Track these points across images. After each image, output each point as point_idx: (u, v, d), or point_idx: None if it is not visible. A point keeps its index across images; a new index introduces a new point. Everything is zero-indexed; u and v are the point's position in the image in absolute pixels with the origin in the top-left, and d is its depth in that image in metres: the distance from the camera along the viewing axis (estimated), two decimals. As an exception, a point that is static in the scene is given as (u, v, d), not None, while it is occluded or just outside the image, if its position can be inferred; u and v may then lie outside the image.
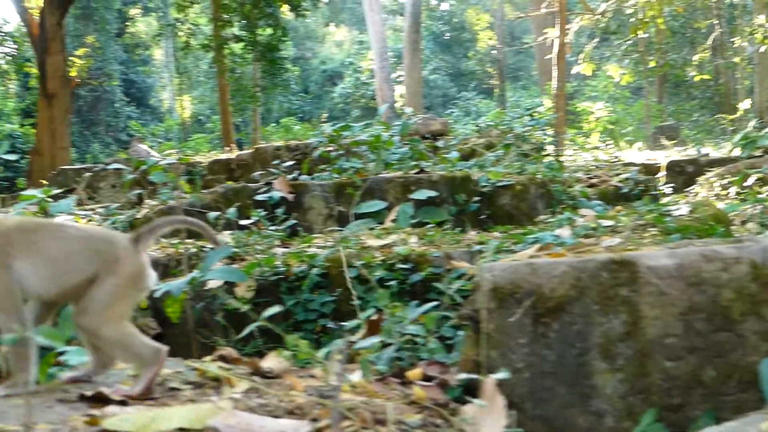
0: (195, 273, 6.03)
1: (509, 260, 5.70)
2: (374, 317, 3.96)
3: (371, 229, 7.84)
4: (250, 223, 8.10)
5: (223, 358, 3.66)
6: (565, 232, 6.56)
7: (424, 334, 3.28)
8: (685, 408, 2.79)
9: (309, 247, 6.91)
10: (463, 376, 2.97)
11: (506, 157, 10.00)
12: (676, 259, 2.80)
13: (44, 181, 20.94)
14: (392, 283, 5.91)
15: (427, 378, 3.06)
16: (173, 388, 3.17)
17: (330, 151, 10.05)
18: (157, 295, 5.80)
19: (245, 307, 4.94)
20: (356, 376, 3.19)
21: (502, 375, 2.64)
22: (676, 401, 2.79)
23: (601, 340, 2.70)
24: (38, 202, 6.40)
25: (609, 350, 2.75)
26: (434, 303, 3.48)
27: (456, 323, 3.82)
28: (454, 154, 9.75)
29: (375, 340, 3.32)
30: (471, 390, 2.97)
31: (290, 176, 9.55)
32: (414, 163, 9.47)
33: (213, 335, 6.41)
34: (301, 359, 3.68)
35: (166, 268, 7.34)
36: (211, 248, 7.15)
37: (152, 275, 3.17)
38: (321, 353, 3.60)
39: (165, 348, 3.14)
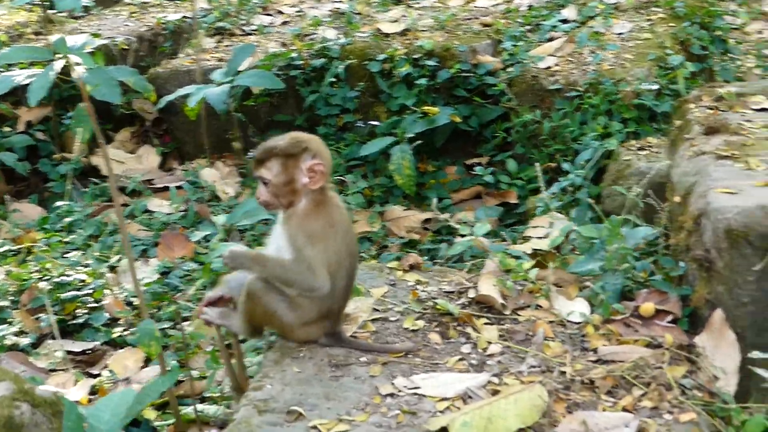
0: (222, 76, 5.77)
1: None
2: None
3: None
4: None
5: (413, 268, 3.65)
6: (572, 14, 6.56)
7: (649, 264, 3.32)
8: None
9: (314, 27, 6.65)
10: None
11: None
12: None
13: None
14: (422, 81, 5.85)
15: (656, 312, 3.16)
16: (410, 330, 3.15)
17: None
18: (195, 101, 5.53)
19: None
20: (581, 306, 3.26)
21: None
22: None
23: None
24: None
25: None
26: (653, 231, 3.43)
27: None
28: None
29: (593, 265, 3.33)
30: (694, 321, 3.18)
31: None
32: None
33: (227, 129, 6.25)
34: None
35: (151, 44, 6.98)
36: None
37: None
38: (532, 273, 3.47)
39: None
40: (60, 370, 4.11)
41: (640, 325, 3.09)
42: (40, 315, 4.41)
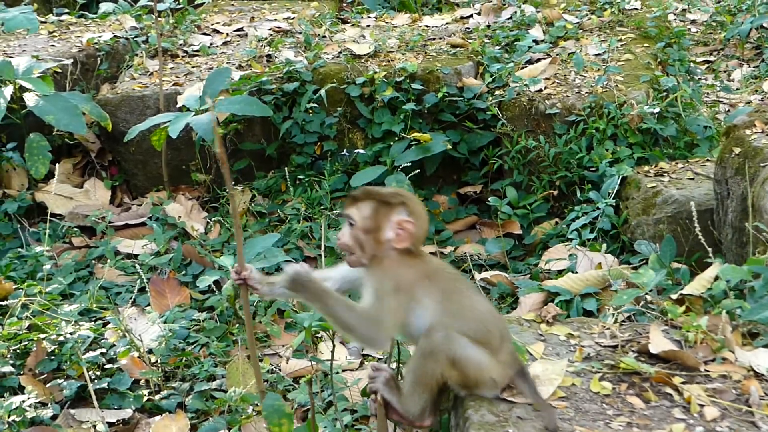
0: (196, 102, 5.21)
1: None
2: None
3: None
4: None
5: (555, 319, 3.27)
6: (539, 33, 6.39)
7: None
8: None
9: (274, 49, 6.19)
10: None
11: None
12: None
13: None
14: (410, 105, 5.51)
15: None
16: (601, 394, 2.80)
17: None
18: (177, 130, 4.95)
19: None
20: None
21: None
22: None
23: None
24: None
25: None
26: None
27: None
28: None
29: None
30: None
31: None
32: None
33: (183, 159, 5.75)
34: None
35: (84, 67, 6.31)
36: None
37: None
38: (702, 322, 3.10)
39: None
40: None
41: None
42: (58, 381, 3.84)
